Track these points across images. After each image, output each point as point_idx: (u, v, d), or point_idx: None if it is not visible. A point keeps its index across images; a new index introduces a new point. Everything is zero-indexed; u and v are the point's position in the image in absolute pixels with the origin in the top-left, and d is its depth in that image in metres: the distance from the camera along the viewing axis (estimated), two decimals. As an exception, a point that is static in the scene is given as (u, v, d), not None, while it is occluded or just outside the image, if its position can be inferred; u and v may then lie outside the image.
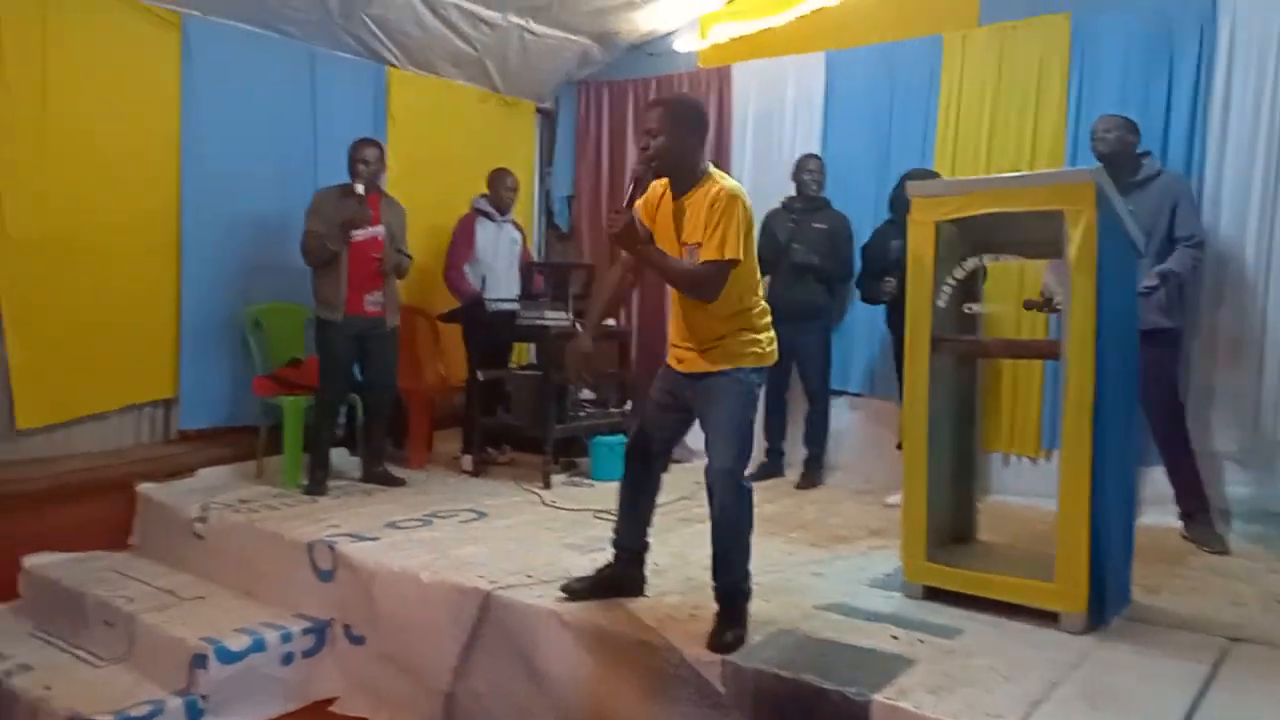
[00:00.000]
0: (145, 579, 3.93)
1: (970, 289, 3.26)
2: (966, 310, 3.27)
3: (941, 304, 3.11)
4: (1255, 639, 2.82)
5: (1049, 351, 3.32)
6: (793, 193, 5.05)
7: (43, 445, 4.29)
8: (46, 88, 4.19)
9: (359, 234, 4.42)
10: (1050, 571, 2.85)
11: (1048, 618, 2.83)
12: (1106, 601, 2.89)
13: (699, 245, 2.73)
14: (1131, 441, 3.20)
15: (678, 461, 5.15)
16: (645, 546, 3.11)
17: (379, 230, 4.52)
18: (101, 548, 4.24)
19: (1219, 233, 4.15)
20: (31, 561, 4.04)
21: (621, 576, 3.09)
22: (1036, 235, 3.07)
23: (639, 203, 2.87)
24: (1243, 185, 4.14)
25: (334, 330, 4.47)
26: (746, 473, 2.82)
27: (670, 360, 2.96)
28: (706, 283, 2.74)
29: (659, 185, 2.88)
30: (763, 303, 2.91)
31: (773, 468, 5.06)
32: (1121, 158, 3.83)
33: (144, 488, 4.40)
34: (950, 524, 3.35)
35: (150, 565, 4.11)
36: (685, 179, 2.79)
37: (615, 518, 3.10)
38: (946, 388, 3.26)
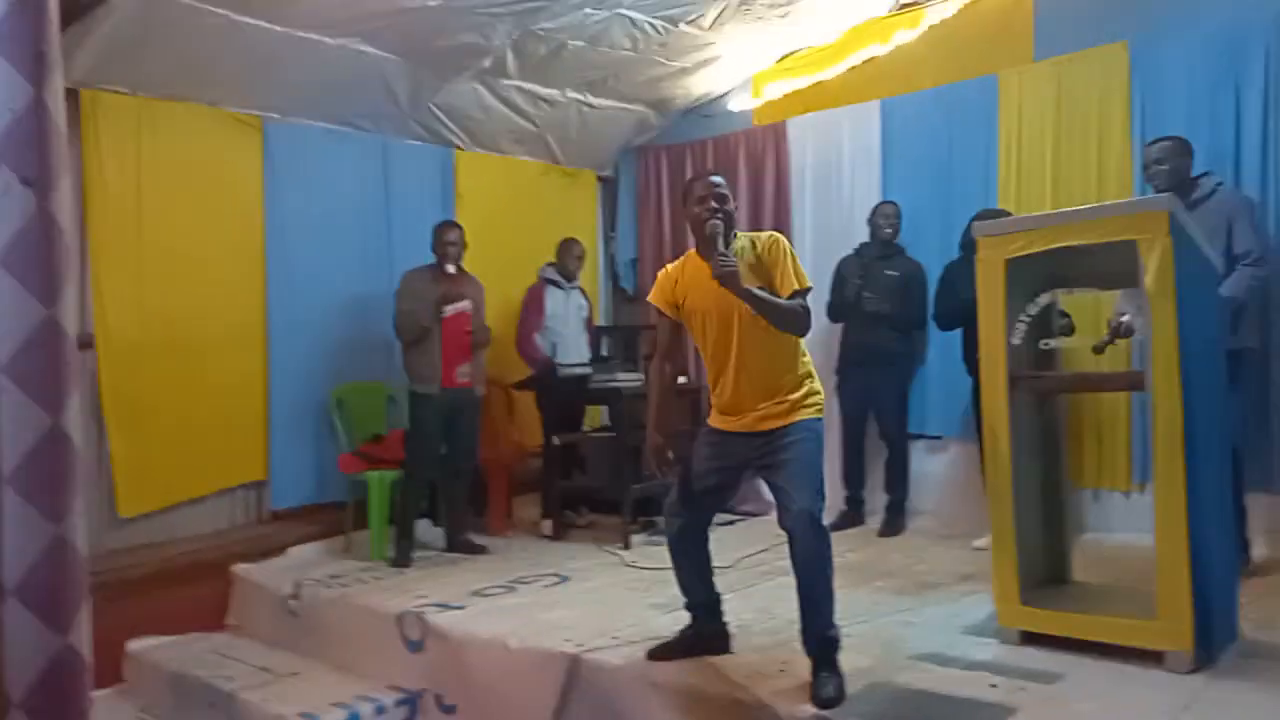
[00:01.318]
0: (243, 658, 4.03)
1: (1045, 324, 3.21)
2: (1042, 346, 3.21)
3: (1016, 341, 3.07)
4: (1383, 673, 2.67)
5: (1133, 383, 3.24)
6: (865, 239, 5.07)
7: (143, 532, 4.49)
8: (141, 198, 4.47)
9: (450, 309, 4.61)
10: (1151, 609, 2.74)
11: (1152, 658, 2.72)
12: (1213, 638, 2.76)
13: (763, 287, 2.82)
14: (1227, 469, 3.08)
15: (754, 515, 5.13)
16: (717, 598, 3.10)
17: (467, 304, 4.70)
18: (201, 629, 4.37)
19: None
20: (135, 646, 4.17)
21: (703, 634, 3.07)
22: (1110, 266, 3.02)
23: (661, 287, 3.04)
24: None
25: (429, 404, 4.62)
26: (826, 521, 2.81)
27: (725, 425, 2.95)
28: (804, 314, 2.86)
29: (672, 267, 3.06)
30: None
31: (853, 516, 4.98)
32: (1178, 185, 3.70)
33: (239, 568, 4.54)
34: (1044, 565, 3.25)
35: (248, 644, 4.22)
36: (731, 239, 2.94)
37: (676, 576, 3.09)
38: (1028, 426, 3.20)
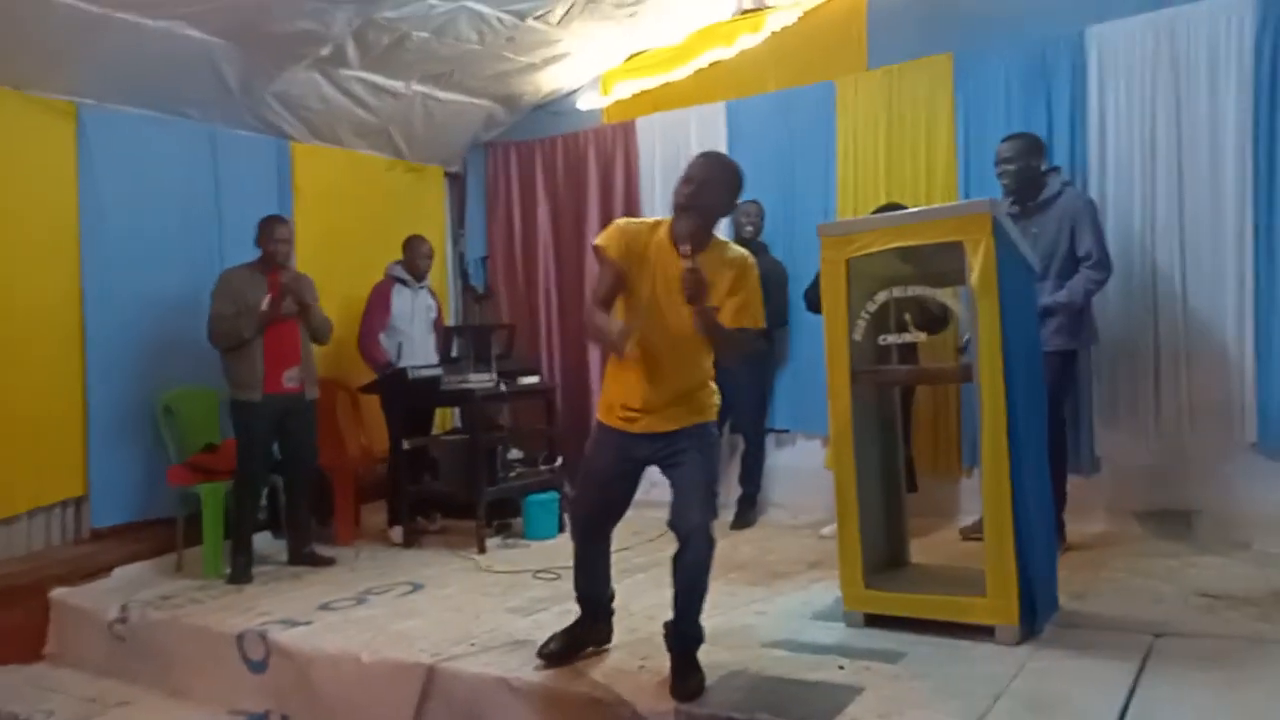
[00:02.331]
0: (65, 689, 3.75)
1: (884, 320, 3.35)
2: (880, 342, 3.35)
3: (857, 337, 3.20)
4: (1177, 633, 2.95)
5: (961, 376, 3.43)
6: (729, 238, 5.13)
7: (-57, 557, 4.09)
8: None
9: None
10: (982, 587, 2.92)
11: (984, 632, 2.91)
12: (1037, 611, 2.98)
13: (717, 309, 2.67)
14: (1044, 454, 3.32)
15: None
16: (613, 595, 3.08)
17: (291, 306, 4.46)
18: (14, 661, 4.01)
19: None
20: (-63, 682, 3.80)
21: (593, 629, 3.05)
22: (943, 266, 3.19)
23: (621, 237, 2.78)
24: (1125, 204, 4.39)
25: (252, 411, 4.37)
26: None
27: (625, 425, 2.83)
28: (747, 349, 2.81)
29: (639, 225, 2.83)
30: None
31: (707, 511, 5.08)
32: (1026, 184, 3.94)
33: (57, 593, 4.19)
34: (885, 550, 3.42)
35: (70, 674, 3.92)
36: (704, 237, 2.74)
37: (577, 580, 3.02)
38: (870, 418, 3.34)
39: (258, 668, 3.48)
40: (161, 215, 4.87)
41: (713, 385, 2.90)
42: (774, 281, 5.03)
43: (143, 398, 4.72)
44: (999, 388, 2.91)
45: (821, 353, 3.30)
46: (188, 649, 3.70)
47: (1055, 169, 4.10)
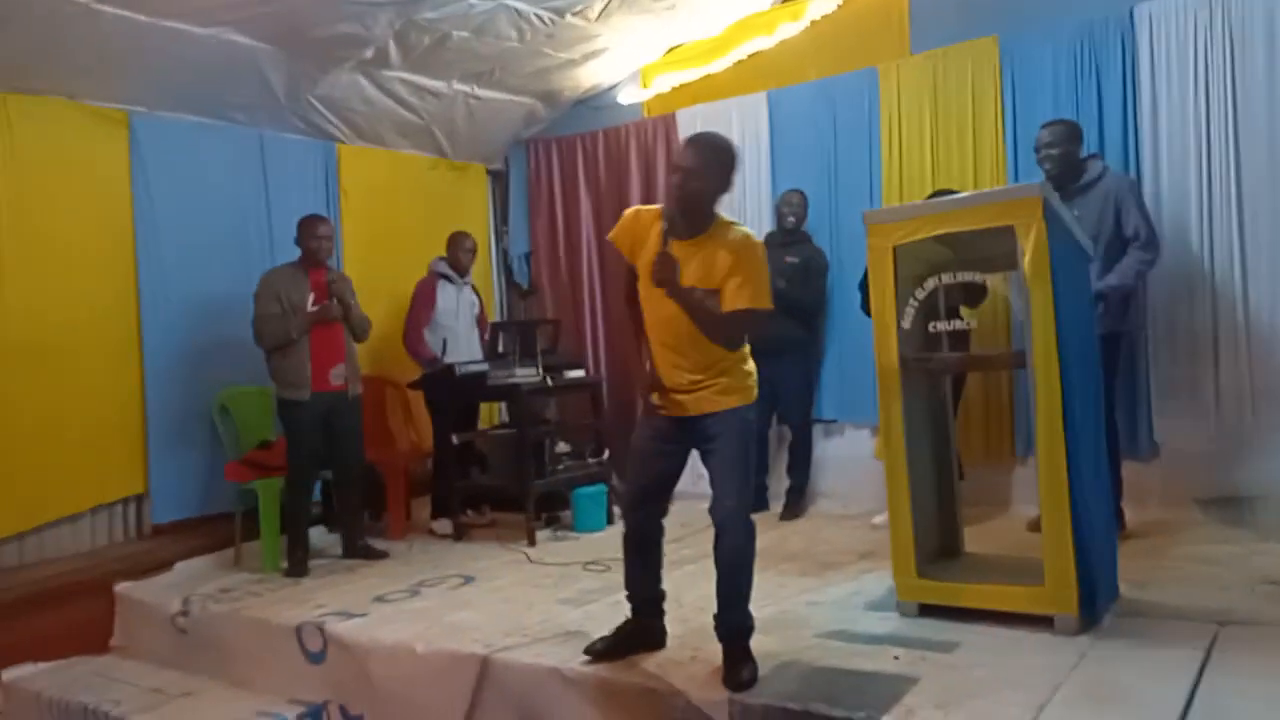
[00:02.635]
0: (131, 680, 3.84)
1: (934, 308, 3.31)
2: (931, 329, 3.32)
3: (906, 325, 3.16)
4: (1243, 621, 2.87)
5: (1014, 362, 3.38)
6: (758, 227, 5.13)
7: (13, 553, 4.22)
8: (-3, 194, 4.18)
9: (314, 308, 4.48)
10: (1039, 576, 2.88)
11: (1042, 622, 2.86)
12: (1097, 599, 2.93)
13: (717, 290, 2.70)
14: (1102, 440, 3.26)
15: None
16: (663, 595, 3.04)
17: (336, 310, 4.53)
18: (83, 653, 4.13)
19: (1161, 232, 4.25)
20: (11, 674, 3.93)
21: (643, 630, 3.01)
22: (992, 251, 3.14)
23: (626, 227, 2.86)
24: (1180, 184, 4.29)
25: (301, 409, 4.44)
26: None
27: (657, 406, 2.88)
28: (741, 331, 2.76)
29: (645, 213, 2.86)
30: None
31: (755, 501, 5.05)
32: (1067, 169, 3.89)
33: (122, 587, 4.31)
34: (938, 539, 3.38)
35: (135, 665, 4.02)
36: (701, 221, 2.75)
37: (625, 573, 3.01)
38: (920, 406, 3.31)
39: (316, 658, 3.54)
40: (213, 219, 4.98)
41: (746, 368, 2.86)
42: (814, 270, 5.00)
43: (199, 397, 4.83)
44: (1053, 373, 2.85)
45: (866, 341, 3.28)
46: (247, 641, 3.78)
47: (1095, 155, 4.03)
